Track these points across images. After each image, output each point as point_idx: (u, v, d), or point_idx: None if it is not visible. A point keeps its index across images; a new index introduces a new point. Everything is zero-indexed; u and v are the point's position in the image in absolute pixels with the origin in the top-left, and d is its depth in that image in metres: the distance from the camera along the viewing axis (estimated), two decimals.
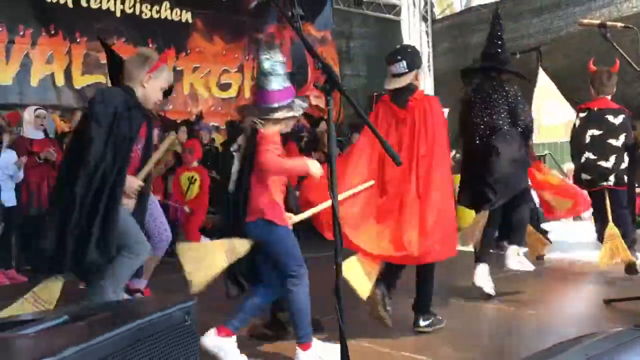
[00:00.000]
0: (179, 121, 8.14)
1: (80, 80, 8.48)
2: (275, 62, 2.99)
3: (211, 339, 2.96)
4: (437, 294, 3.74)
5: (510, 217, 4.46)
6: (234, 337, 3.02)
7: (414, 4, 13.31)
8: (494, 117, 4.34)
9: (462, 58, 12.15)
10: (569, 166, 8.87)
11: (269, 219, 2.96)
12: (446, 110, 5.61)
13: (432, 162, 3.37)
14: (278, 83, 2.99)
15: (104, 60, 8.58)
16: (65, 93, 8.31)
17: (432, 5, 13.48)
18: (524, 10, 11.12)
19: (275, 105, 2.98)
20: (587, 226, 8.90)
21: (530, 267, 4.52)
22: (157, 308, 1.62)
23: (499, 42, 4.60)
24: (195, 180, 6.89)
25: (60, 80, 8.18)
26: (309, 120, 9.21)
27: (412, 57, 3.53)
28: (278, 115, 3.00)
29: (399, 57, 3.50)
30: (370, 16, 12.75)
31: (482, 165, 4.30)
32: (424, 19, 13.38)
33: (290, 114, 3.04)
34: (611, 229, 4.80)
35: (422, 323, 3.55)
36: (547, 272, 5.51)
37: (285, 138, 3.69)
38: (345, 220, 3.16)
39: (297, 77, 10.95)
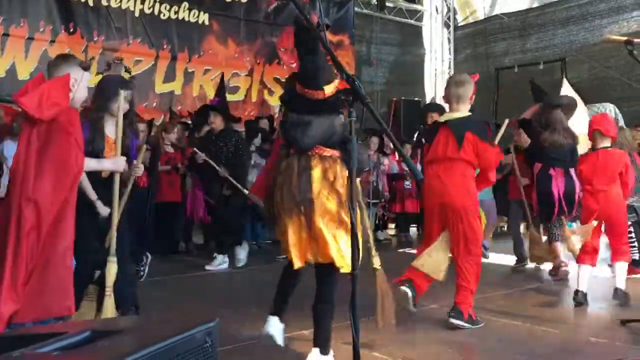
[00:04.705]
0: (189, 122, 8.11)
1: (95, 79, 8.46)
2: None
3: None
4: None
5: None
6: None
7: (437, 10, 13.15)
8: None
9: (484, 65, 11.97)
10: None
11: None
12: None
13: None
14: None
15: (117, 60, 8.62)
16: None
17: (454, 12, 13.30)
18: (550, 20, 10.91)
19: None
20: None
21: None
22: (180, 329, 1.61)
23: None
24: None
25: None
26: None
27: None
28: None
29: None
30: (392, 21, 12.61)
31: None
32: (446, 25, 13.21)
33: None
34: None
35: None
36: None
37: None
38: None
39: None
